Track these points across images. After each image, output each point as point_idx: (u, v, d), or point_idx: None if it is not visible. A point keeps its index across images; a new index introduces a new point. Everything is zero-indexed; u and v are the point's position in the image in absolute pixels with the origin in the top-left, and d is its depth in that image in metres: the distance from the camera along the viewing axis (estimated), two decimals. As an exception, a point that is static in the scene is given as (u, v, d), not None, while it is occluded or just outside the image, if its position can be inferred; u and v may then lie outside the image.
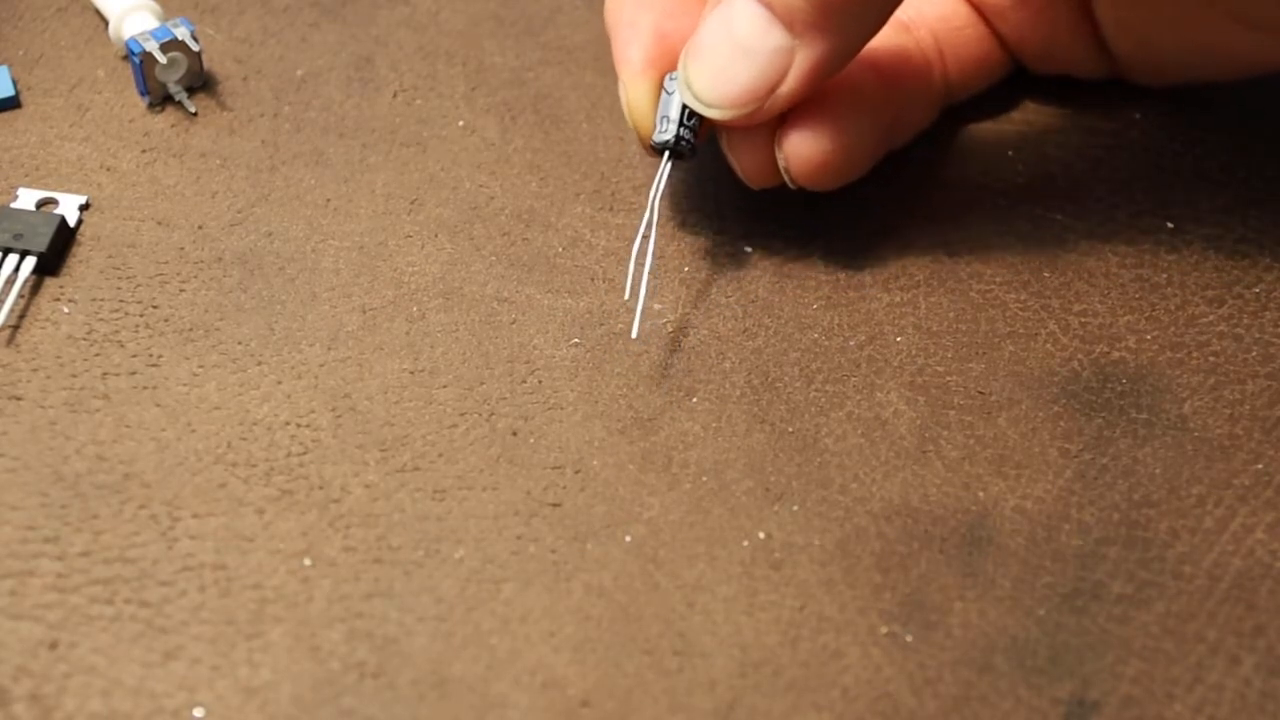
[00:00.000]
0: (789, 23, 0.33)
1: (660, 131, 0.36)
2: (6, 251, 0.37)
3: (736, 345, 0.37)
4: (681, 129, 0.35)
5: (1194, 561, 0.33)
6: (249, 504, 0.33)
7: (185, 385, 0.35)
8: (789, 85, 0.33)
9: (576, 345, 0.36)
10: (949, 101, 0.40)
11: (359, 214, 0.39)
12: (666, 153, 0.36)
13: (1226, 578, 0.32)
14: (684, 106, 0.35)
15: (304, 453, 0.34)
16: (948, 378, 0.36)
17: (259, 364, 0.36)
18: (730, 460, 0.34)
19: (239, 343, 0.36)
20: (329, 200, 0.39)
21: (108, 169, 0.40)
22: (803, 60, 0.33)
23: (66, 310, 0.36)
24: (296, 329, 0.36)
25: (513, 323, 0.37)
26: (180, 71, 0.41)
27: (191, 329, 0.36)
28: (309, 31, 0.43)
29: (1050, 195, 0.40)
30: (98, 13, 0.43)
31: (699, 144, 0.36)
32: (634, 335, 0.35)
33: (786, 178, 0.36)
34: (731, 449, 0.34)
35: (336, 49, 0.43)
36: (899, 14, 0.38)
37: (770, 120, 0.35)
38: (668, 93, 0.36)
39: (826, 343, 0.37)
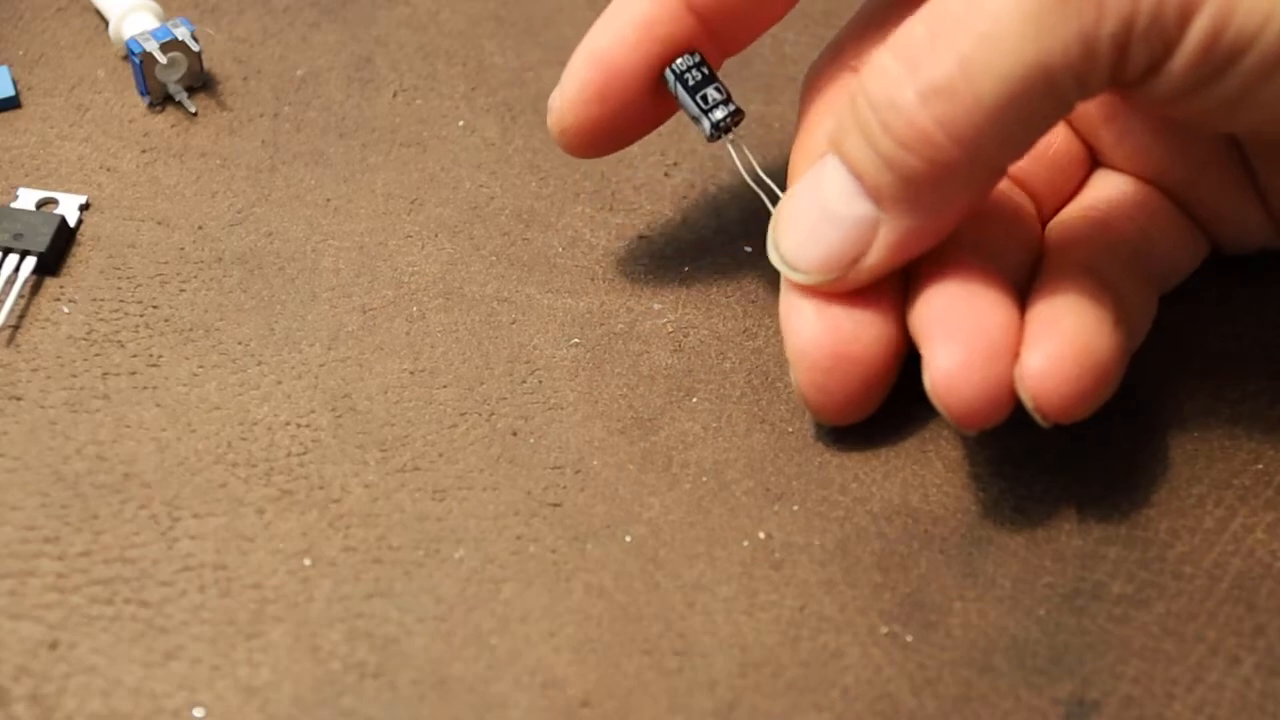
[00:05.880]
0: (875, 194, 0.31)
1: (709, 119, 0.35)
2: (6, 251, 0.37)
3: (736, 345, 0.36)
4: (716, 109, 0.35)
5: (1194, 561, 0.33)
6: (249, 504, 0.33)
7: (185, 385, 0.35)
8: (873, 257, 0.32)
9: (576, 345, 0.36)
10: (1160, 293, 0.35)
11: (359, 214, 0.39)
12: (724, 136, 0.35)
13: (1226, 578, 0.32)
14: (706, 86, 0.35)
15: (304, 453, 0.34)
16: (948, 378, 0.36)
17: (259, 364, 0.36)
18: (730, 460, 0.34)
19: (239, 343, 0.36)
20: (329, 200, 0.39)
21: (108, 169, 0.40)
22: (888, 233, 0.31)
23: (66, 310, 0.36)
24: (296, 329, 0.36)
25: (513, 323, 0.37)
26: (180, 71, 0.41)
27: (191, 329, 0.36)
28: (309, 31, 0.43)
29: (1050, 195, 0.40)
30: (98, 13, 0.43)
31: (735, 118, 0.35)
32: None
33: (1038, 417, 0.31)
34: (731, 449, 0.34)
35: (336, 49, 0.43)
36: (1099, 212, 0.35)
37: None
38: (684, 83, 0.35)
39: (826, 343, 0.36)
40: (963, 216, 0.32)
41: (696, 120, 0.35)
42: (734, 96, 0.35)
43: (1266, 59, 0.29)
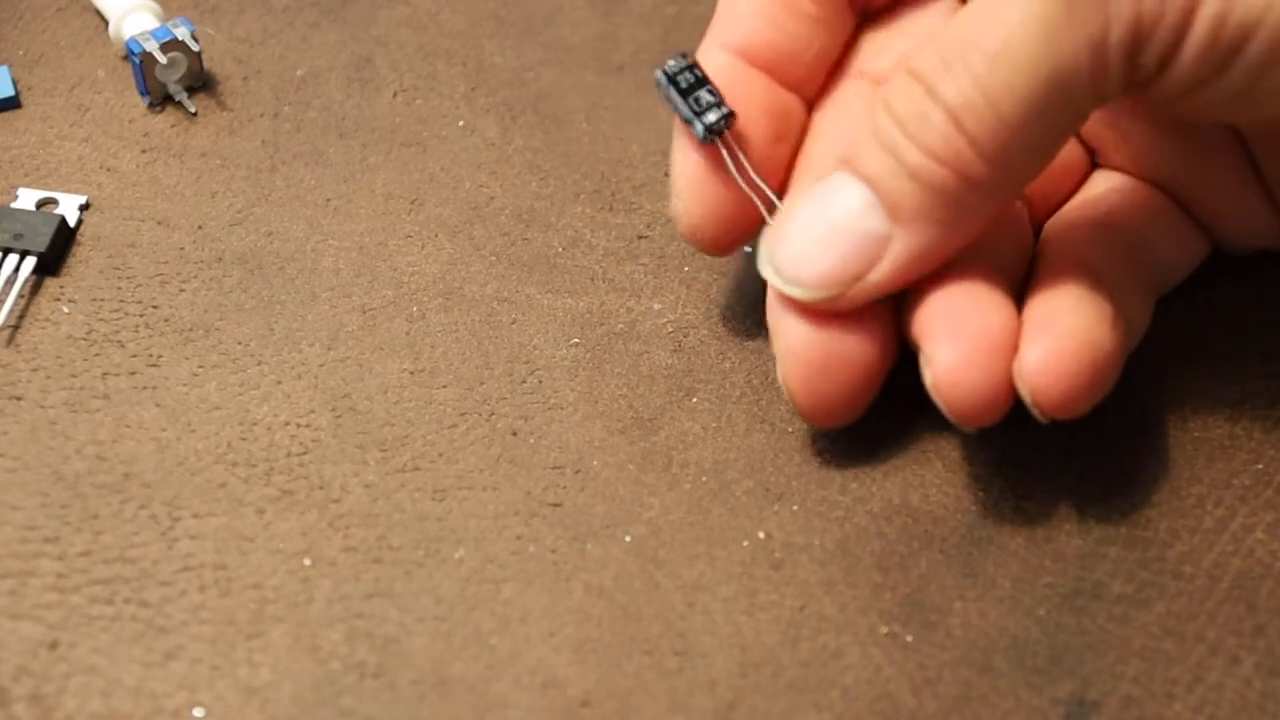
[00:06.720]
0: (892, 208, 0.31)
1: (701, 122, 0.34)
2: (6, 251, 0.37)
3: (736, 345, 0.37)
4: (709, 111, 0.34)
5: (1194, 561, 0.33)
6: (249, 504, 0.33)
7: (185, 385, 0.35)
8: (878, 274, 0.31)
9: (576, 345, 0.36)
10: (1160, 294, 0.35)
11: (359, 214, 0.39)
12: (716, 139, 0.34)
13: (1226, 578, 0.32)
14: (699, 89, 0.34)
15: (304, 453, 0.34)
16: (948, 378, 0.36)
17: (259, 364, 0.36)
18: (730, 460, 0.34)
19: (239, 343, 0.36)
20: (329, 200, 0.39)
21: (108, 169, 0.40)
22: (898, 250, 0.31)
23: (66, 310, 0.36)
24: (296, 329, 0.36)
25: (513, 323, 0.37)
26: (180, 71, 0.41)
27: (191, 329, 0.36)
28: (309, 31, 0.43)
29: (1050, 195, 0.40)
30: (98, 13, 0.43)
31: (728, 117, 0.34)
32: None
33: (1036, 412, 0.31)
34: (731, 449, 0.34)
35: (336, 49, 0.43)
36: (1098, 212, 0.35)
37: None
38: (676, 85, 0.34)
39: (826, 343, 0.36)
40: (971, 239, 0.32)
41: (689, 123, 0.34)
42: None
43: (1270, 47, 0.29)
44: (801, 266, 0.32)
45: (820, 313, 0.32)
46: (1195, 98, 0.30)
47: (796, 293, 0.32)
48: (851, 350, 0.32)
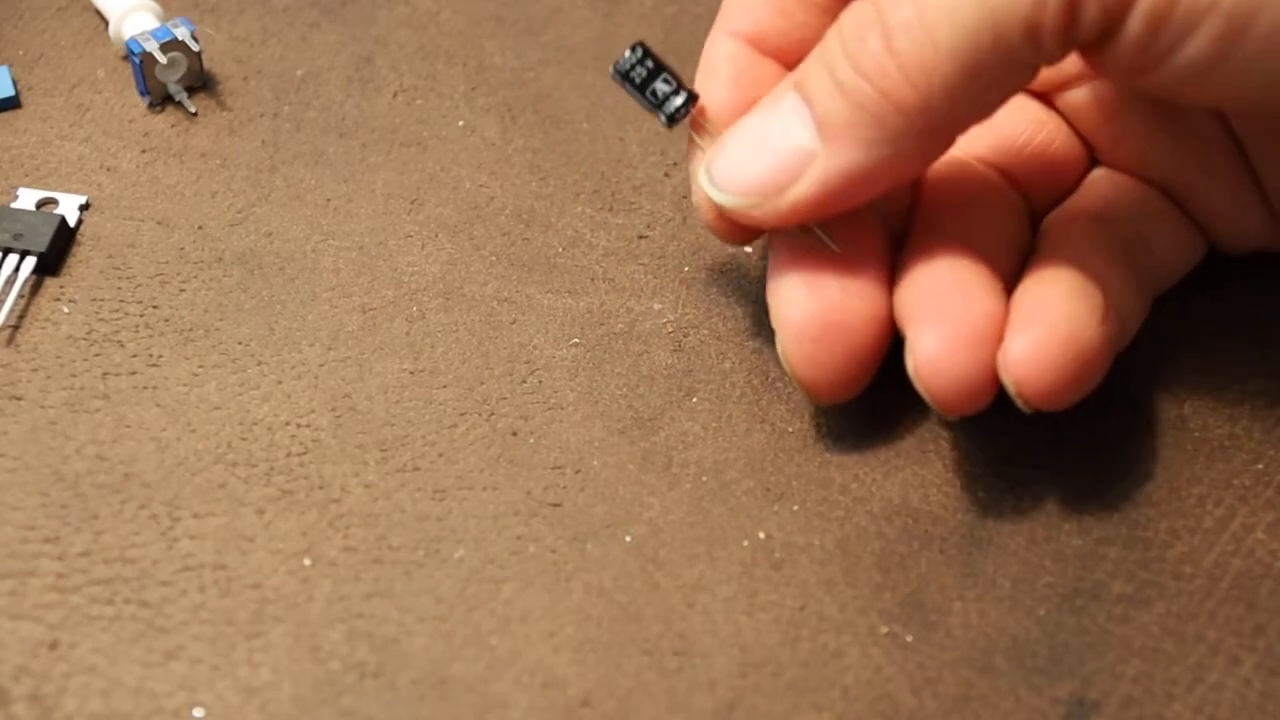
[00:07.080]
0: (820, 123, 0.31)
1: (663, 112, 0.34)
2: (6, 251, 0.37)
3: (736, 345, 0.37)
4: (668, 100, 0.34)
5: (1194, 561, 0.33)
6: (249, 504, 0.33)
7: (185, 385, 0.35)
8: (800, 188, 0.32)
9: (576, 345, 0.36)
10: (1156, 293, 0.35)
11: (359, 214, 0.39)
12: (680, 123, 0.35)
13: (1226, 578, 0.32)
14: (654, 79, 0.34)
15: (304, 453, 0.34)
16: (948, 378, 0.36)
17: (259, 364, 0.36)
18: (730, 460, 0.34)
19: (239, 343, 0.36)
20: (329, 200, 0.39)
21: (108, 169, 0.40)
22: (820, 166, 0.31)
23: (66, 310, 0.36)
24: (296, 329, 0.36)
25: (513, 323, 0.37)
26: (180, 71, 0.41)
27: (191, 329, 0.36)
28: (309, 31, 0.43)
29: (1050, 195, 0.40)
30: (98, 13, 0.43)
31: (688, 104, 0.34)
32: None
33: (1019, 402, 0.31)
34: (731, 449, 0.34)
35: (336, 49, 0.43)
36: (1095, 208, 0.35)
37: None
38: (631, 82, 0.34)
39: (826, 343, 0.36)
40: (898, 179, 0.32)
41: (652, 112, 0.35)
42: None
43: (1230, 22, 0.28)
44: (729, 173, 0.33)
45: (817, 279, 0.33)
46: (1158, 72, 0.30)
47: (720, 198, 0.33)
48: (849, 319, 0.33)
